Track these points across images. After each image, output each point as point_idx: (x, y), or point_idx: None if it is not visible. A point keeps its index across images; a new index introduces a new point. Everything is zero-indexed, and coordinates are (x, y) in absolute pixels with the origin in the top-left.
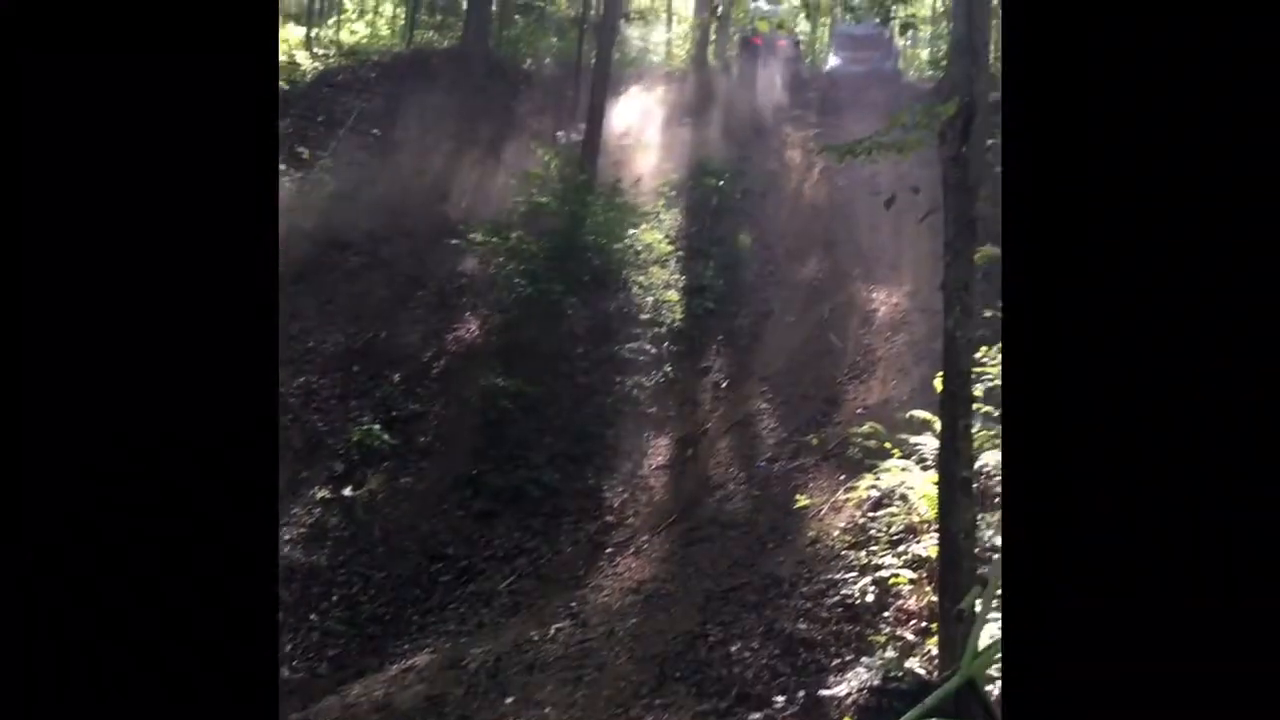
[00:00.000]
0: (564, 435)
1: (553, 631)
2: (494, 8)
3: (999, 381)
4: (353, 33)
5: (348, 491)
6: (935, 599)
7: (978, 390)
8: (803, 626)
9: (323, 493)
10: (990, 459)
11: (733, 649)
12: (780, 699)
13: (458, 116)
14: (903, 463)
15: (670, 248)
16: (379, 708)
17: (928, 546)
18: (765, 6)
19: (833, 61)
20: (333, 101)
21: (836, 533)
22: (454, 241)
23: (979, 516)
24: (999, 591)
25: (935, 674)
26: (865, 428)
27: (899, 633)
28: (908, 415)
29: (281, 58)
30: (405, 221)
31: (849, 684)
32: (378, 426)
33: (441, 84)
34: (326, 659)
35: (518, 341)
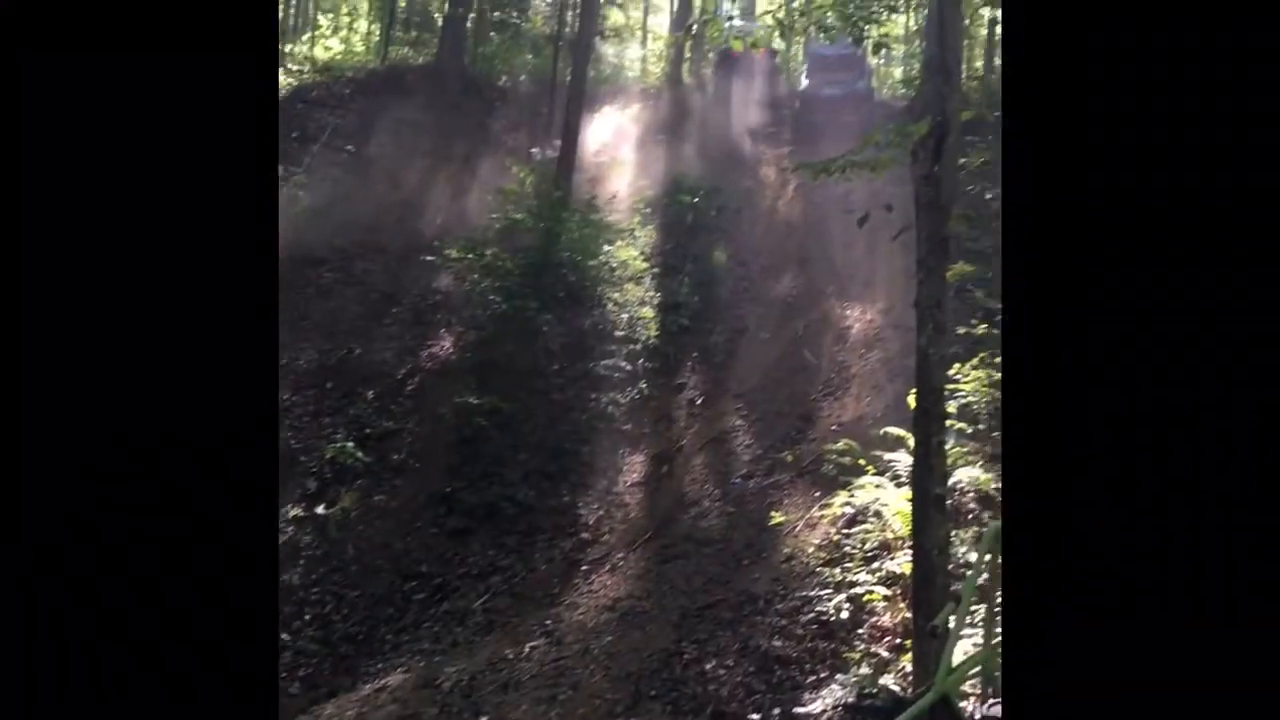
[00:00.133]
0: (539, 452)
1: (527, 650)
2: (469, 24)
3: (972, 398)
4: (327, 49)
5: (321, 509)
6: (910, 615)
7: (951, 407)
8: (778, 644)
9: (296, 511)
10: (964, 475)
11: (708, 666)
12: (755, 716)
13: (432, 133)
14: (877, 479)
15: (645, 264)
16: None
17: (902, 563)
18: (740, 24)
19: (806, 83)
20: (307, 117)
21: (811, 549)
22: (428, 258)
23: (952, 533)
24: (972, 608)
25: (910, 690)
26: (839, 444)
27: (874, 649)
28: (881, 432)
29: None
30: (379, 238)
31: (824, 701)
32: (351, 444)
33: (416, 100)
34: (299, 679)
35: (492, 358)
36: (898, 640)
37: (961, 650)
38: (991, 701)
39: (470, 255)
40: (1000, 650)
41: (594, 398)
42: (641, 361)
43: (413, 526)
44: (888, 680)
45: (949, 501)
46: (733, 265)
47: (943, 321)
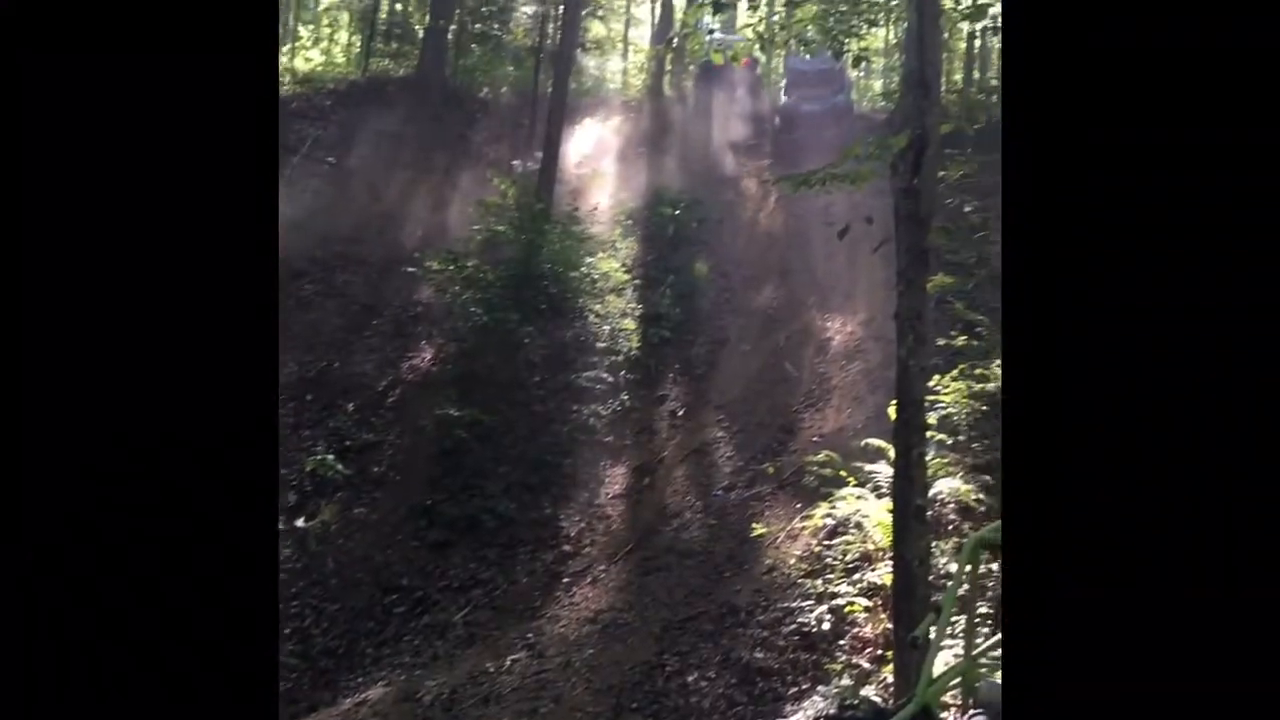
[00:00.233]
0: (520, 464)
1: (508, 663)
2: (450, 36)
3: (952, 409)
4: (308, 60)
5: (300, 523)
6: (891, 626)
7: (931, 418)
8: (759, 655)
9: None
10: (944, 486)
11: (690, 679)
12: None
13: (413, 145)
14: (858, 491)
15: (627, 276)
16: None
17: (883, 574)
18: (720, 37)
19: (785, 99)
20: (287, 129)
21: (793, 561)
22: (409, 270)
23: (933, 544)
24: (953, 618)
25: (891, 701)
26: (821, 456)
27: (855, 660)
28: (862, 443)
29: None
30: (360, 249)
31: (805, 713)
32: (331, 456)
33: (397, 112)
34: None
35: (473, 370)
36: (879, 651)
37: (942, 661)
38: (973, 712)
39: (451, 267)
40: (981, 662)
41: (575, 410)
42: (623, 373)
43: (393, 539)
44: (869, 691)
45: (929, 513)
46: (714, 277)
47: (923, 333)
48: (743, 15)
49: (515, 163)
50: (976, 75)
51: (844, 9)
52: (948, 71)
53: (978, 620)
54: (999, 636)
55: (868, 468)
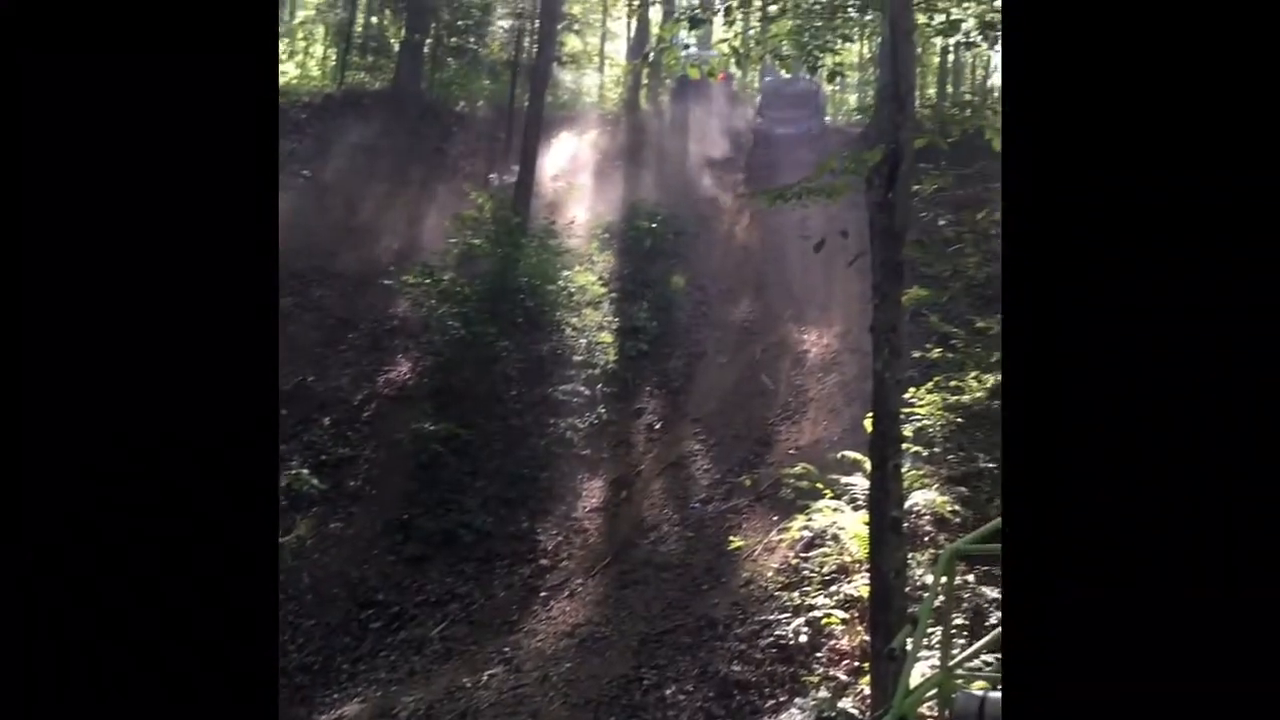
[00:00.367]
0: (497, 478)
1: (486, 678)
2: (426, 50)
3: (927, 421)
4: (283, 73)
5: None
6: (867, 638)
7: (907, 430)
8: (737, 668)
9: None
10: (920, 498)
11: (667, 692)
12: None
13: (389, 158)
14: (834, 503)
15: (603, 290)
16: None
17: (859, 586)
18: (696, 52)
19: (759, 120)
20: None
21: (770, 573)
22: (386, 283)
23: (909, 555)
24: (929, 630)
25: (868, 713)
26: (797, 468)
27: (832, 672)
28: (839, 455)
29: None
30: (336, 263)
31: None
32: (306, 471)
33: (373, 126)
34: None
35: (450, 384)
36: (856, 663)
37: (919, 672)
38: None
39: (428, 281)
40: (957, 673)
41: (552, 423)
42: (600, 387)
43: (369, 554)
44: (846, 703)
45: (905, 524)
46: (691, 290)
47: (898, 346)
48: (718, 30)
49: (492, 176)
50: (950, 90)
51: (819, 24)
52: (921, 86)
53: (954, 632)
54: (975, 647)
55: (844, 480)
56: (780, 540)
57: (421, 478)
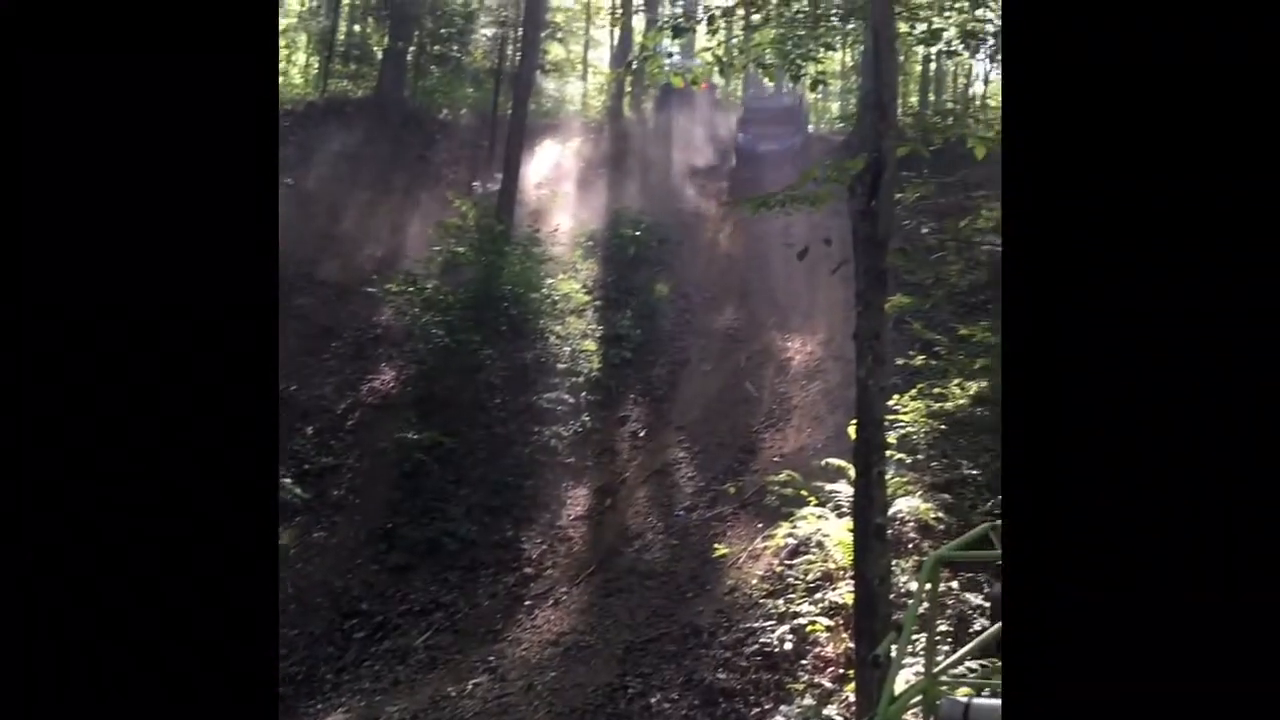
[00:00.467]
0: (481, 487)
1: (470, 687)
2: (409, 58)
3: (911, 429)
4: None
5: None
6: (852, 645)
7: (890, 437)
8: (722, 676)
9: None
10: (904, 505)
11: (653, 700)
12: None
13: (372, 166)
14: (819, 510)
15: (587, 297)
16: None
17: (844, 593)
18: (679, 60)
19: (741, 137)
20: None
21: (755, 581)
22: (369, 291)
23: (893, 562)
24: (913, 637)
25: None
26: (782, 476)
27: (817, 680)
28: (823, 463)
29: None
30: (319, 271)
31: None
32: (289, 480)
33: (356, 134)
34: None
35: (434, 392)
36: (840, 670)
37: (903, 679)
38: None
39: (411, 289)
40: (941, 679)
41: (536, 431)
42: (584, 394)
43: (353, 563)
44: (831, 711)
45: (889, 531)
46: (674, 298)
47: (882, 353)
48: (701, 39)
49: (475, 184)
50: (932, 98)
51: (801, 33)
52: (903, 94)
53: (938, 638)
54: (959, 654)
55: (828, 487)
56: (765, 547)
57: (405, 486)
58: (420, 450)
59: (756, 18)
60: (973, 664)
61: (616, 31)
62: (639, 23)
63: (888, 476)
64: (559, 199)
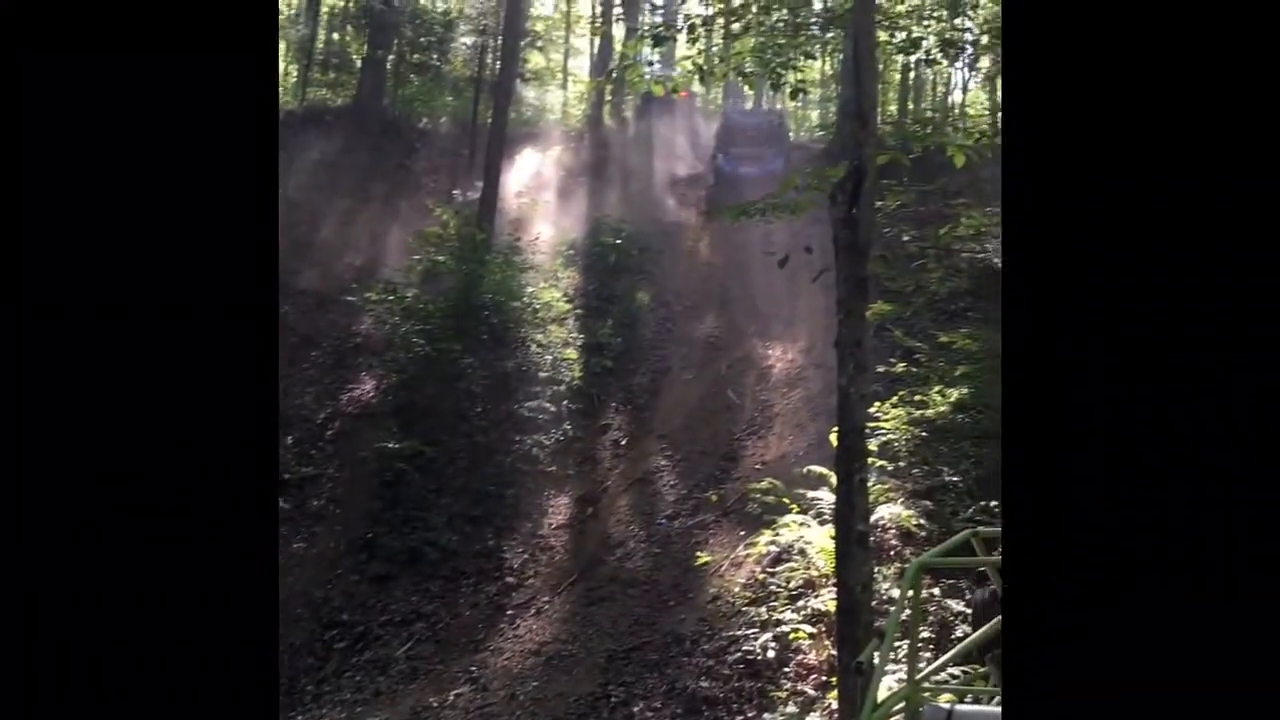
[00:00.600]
0: (462, 496)
1: (452, 697)
2: (389, 66)
3: (892, 436)
4: None
5: None
6: (834, 653)
7: (872, 445)
8: (705, 684)
9: None
10: (885, 512)
11: (635, 709)
12: None
13: (352, 174)
14: (800, 518)
15: (568, 306)
16: None
17: (826, 600)
18: (660, 69)
19: (720, 158)
20: None
21: (737, 589)
22: (349, 300)
23: (875, 569)
24: (896, 643)
25: None
26: (763, 484)
27: (799, 687)
28: (804, 470)
29: None
30: (298, 280)
31: None
32: None
33: (335, 142)
34: None
35: (414, 401)
36: (823, 678)
37: (886, 686)
38: None
39: (391, 298)
40: (924, 686)
41: (518, 440)
42: (565, 403)
43: (333, 574)
44: (814, 718)
45: (871, 538)
46: (655, 306)
47: (863, 360)
48: (682, 48)
49: (455, 193)
50: (911, 106)
51: (782, 42)
52: (883, 103)
53: (920, 645)
54: (942, 660)
55: (810, 494)
56: (747, 555)
57: (386, 496)
58: (401, 459)
59: (737, 26)
60: (955, 670)
61: (596, 40)
62: (619, 31)
63: (869, 484)
64: (539, 207)
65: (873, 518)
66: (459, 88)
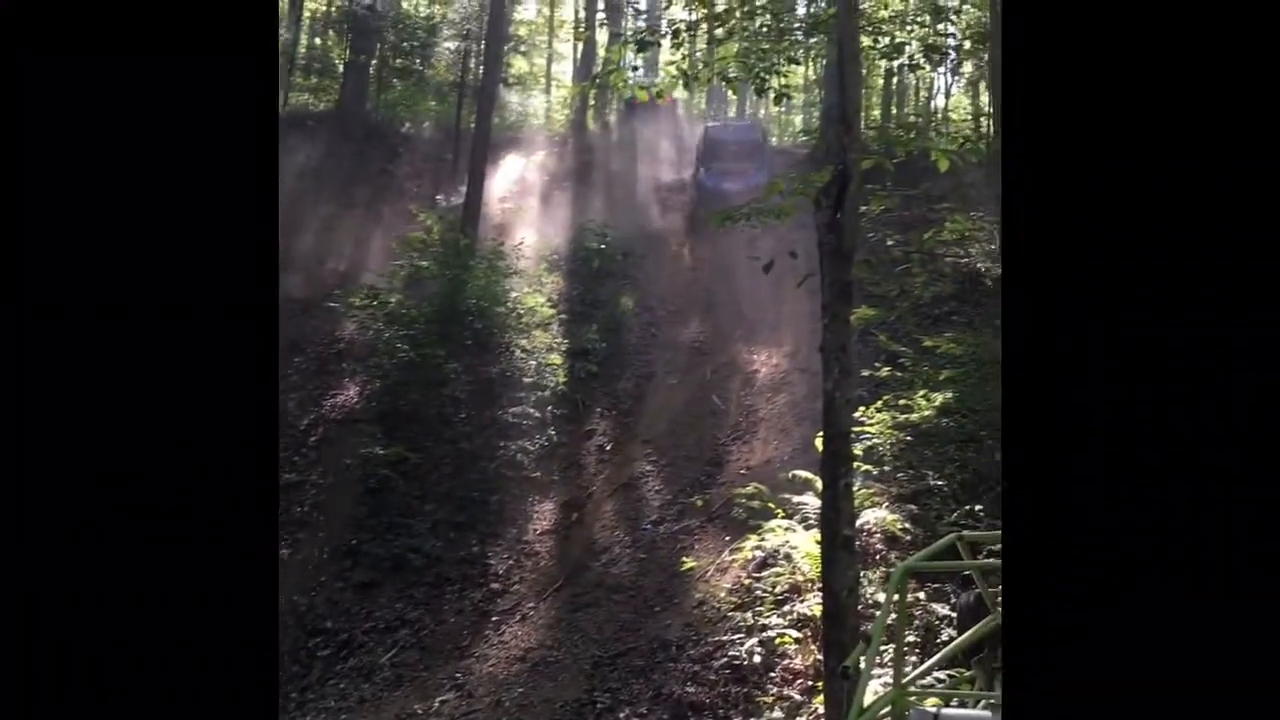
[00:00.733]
0: (447, 502)
1: (437, 704)
2: (371, 71)
3: (877, 440)
4: None
5: None
6: (821, 657)
7: (857, 449)
8: (691, 690)
9: None
10: (871, 517)
11: (621, 715)
12: None
13: (335, 180)
14: (786, 522)
15: (552, 311)
16: None
17: (812, 605)
18: (643, 75)
19: (703, 172)
20: None
21: (723, 594)
22: (332, 305)
23: (861, 574)
24: (882, 648)
25: None
26: (748, 488)
27: (786, 692)
28: (790, 475)
29: None
30: (281, 285)
31: None
32: None
33: (318, 147)
34: None
35: (398, 407)
36: (809, 682)
37: (872, 690)
38: None
39: (374, 303)
40: (910, 690)
41: (502, 446)
42: (550, 409)
43: (317, 581)
44: None
45: (857, 543)
46: (640, 311)
47: (848, 365)
48: (666, 53)
49: (439, 198)
50: (894, 111)
51: (765, 47)
52: (867, 108)
53: (906, 649)
54: (928, 664)
55: (795, 499)
56: (732, 560)
57: (370, 502)
58: (385, 466)
59: (720, 31)
60: (941, 674)
61: (580, 45)
62: (602, 36)
63: (854, 488)
64: (523, 212)
65: (858, 522)
66: (442, 92)
